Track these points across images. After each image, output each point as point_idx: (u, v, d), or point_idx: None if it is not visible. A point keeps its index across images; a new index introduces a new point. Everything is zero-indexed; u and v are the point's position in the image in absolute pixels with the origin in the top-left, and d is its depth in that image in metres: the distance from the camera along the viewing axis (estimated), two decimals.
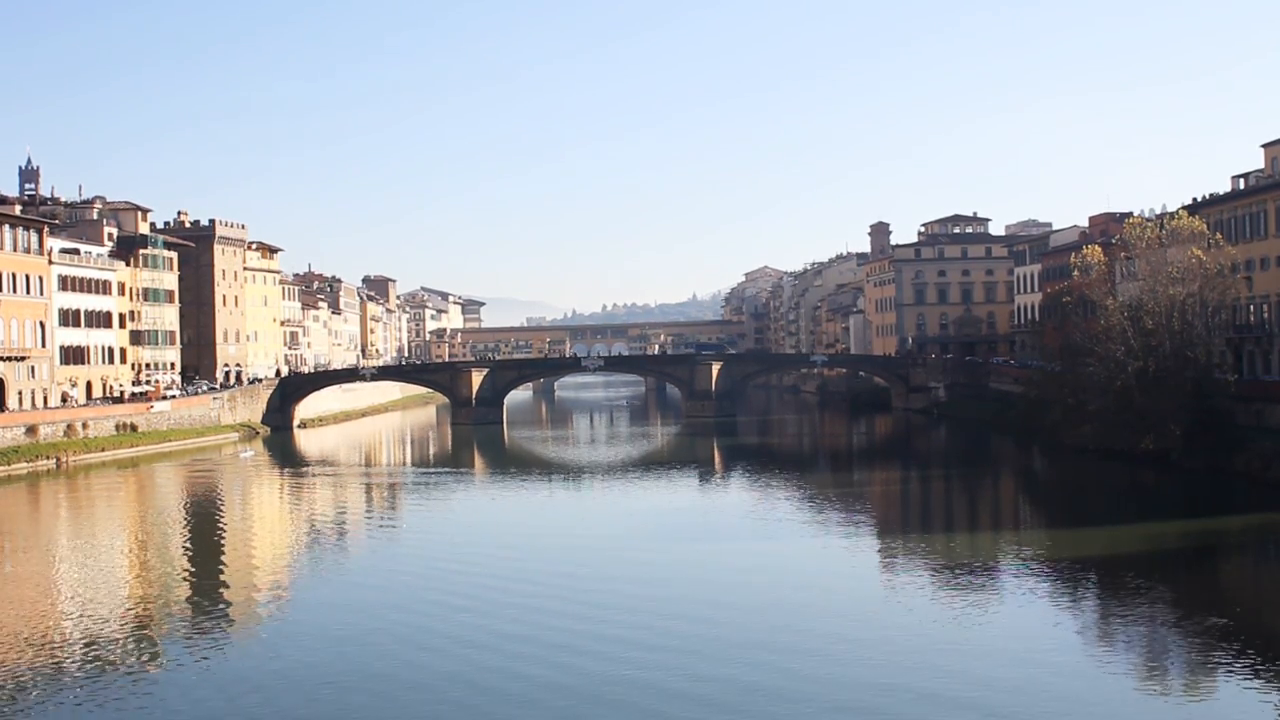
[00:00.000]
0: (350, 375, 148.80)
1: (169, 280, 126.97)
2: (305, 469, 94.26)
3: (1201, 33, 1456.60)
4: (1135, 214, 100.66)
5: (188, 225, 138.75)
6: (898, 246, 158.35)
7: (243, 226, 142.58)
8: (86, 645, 36.82)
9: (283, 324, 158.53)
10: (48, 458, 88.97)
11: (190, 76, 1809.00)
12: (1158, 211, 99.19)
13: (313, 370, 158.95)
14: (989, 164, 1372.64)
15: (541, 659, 33.79)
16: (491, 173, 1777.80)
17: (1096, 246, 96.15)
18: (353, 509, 72.21)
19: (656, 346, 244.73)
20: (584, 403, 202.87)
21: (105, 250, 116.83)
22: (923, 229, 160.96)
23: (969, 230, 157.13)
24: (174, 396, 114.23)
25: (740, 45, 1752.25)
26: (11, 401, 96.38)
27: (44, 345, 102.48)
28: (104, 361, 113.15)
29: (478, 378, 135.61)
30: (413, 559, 52.34)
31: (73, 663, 34.79)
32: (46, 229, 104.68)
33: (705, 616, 38.45)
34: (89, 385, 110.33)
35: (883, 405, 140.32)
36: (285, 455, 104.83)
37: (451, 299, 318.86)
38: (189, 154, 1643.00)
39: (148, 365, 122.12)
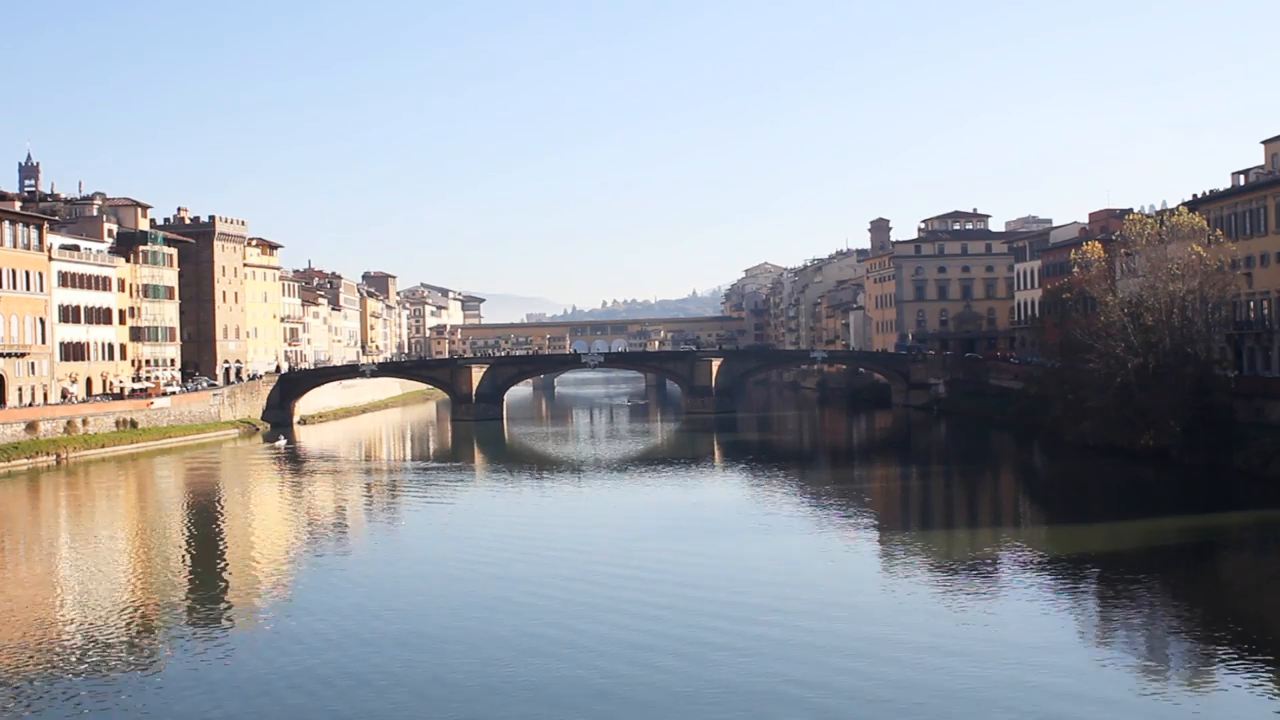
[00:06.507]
0: (350, 371, 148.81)
1: (169, 276, 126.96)
2: (306, 465, 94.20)
3: (1202, 29, 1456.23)
4: (1135, 210, 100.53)
5: (187, 221, 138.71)
6: (898, 243, 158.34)
7: (243, 223, 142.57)
8: (88, 643, 36.79)
9: (283, 320, 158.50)
10: (48, 454, 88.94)
11: (190, 73, 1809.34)
12: (1158, 208, 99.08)
13: (313, 366, 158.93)
14: (989, 160, 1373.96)
15: (543, 655, 33.79)
16: (492, 169, 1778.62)
17: (1096, 243, 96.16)
18: (354, 505, 72.21)
19: (657, 343, 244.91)
20: (584, 399, 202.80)
21: (105, 246, 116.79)
22: (923, 225, 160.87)
23: (969, 226, 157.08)
24: (174, 393, 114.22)
25: (740, 41, 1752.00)
26: (12, 398, 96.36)
27: (44, 341, 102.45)
28: (104, 358, 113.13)
29: (478, 374, 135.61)
30: (414, 556, 52.42)
31: (74, 661, 34.76)
32: (46, 225, 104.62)
33: (703, 613, 38.40)
34: (89, 381, 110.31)
35: (883, 402, 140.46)
36: (295, 449, 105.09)
37: (451, 295, 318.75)
38: (189, 150, 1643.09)
39: (148, 361, 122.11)
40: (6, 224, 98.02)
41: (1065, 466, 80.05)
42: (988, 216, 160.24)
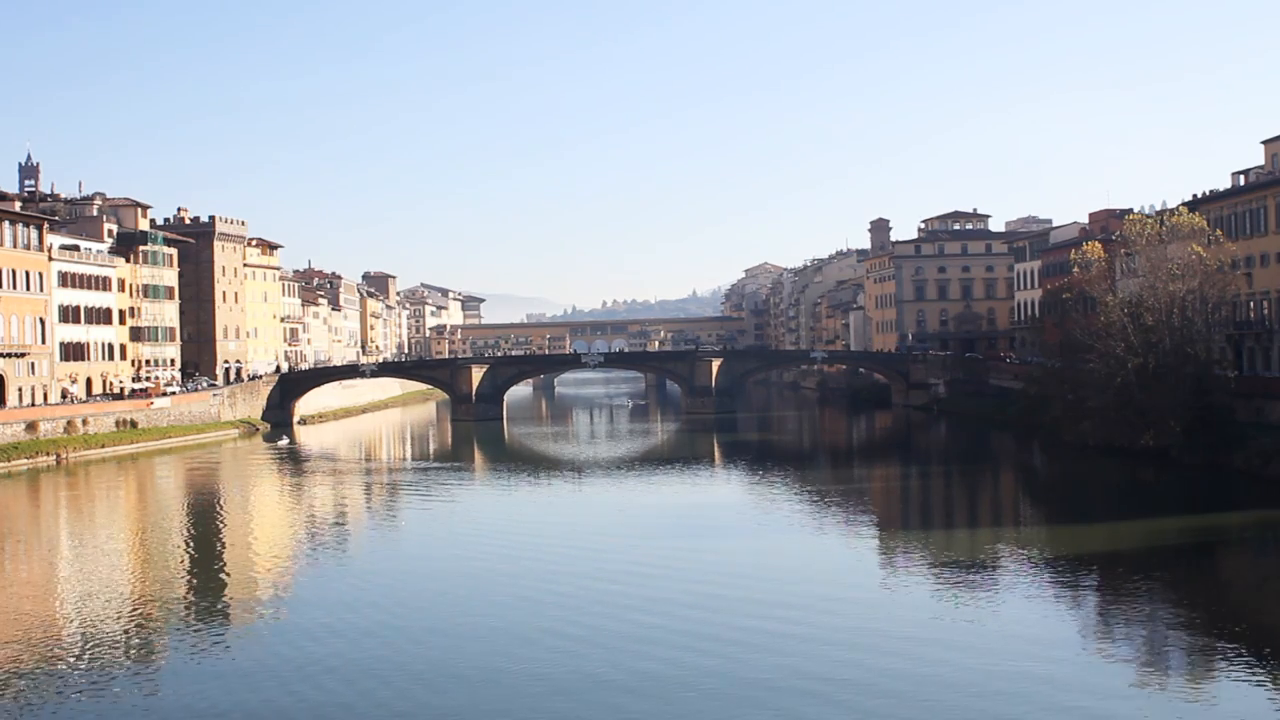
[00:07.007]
0: (350, 371, 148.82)
1: (169, 277, 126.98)
2: (306, 465, 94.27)
3: (1202, 29, 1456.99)
4: (1135, 210, 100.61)
5: (187, 221, 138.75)
6: (898, 243, 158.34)
7: (243, 223, 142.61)
8: (88, 642, 36.85)
9: (283, 320, 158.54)
10: (48, 454, 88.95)
11: (190, 72, 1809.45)
12: (1158, 208, 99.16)
13: (313, 366, 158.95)
14: (989, 160, 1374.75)
15: (543, 651, 33.83)
16: (492, 169, 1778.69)
17: (1096, 243, 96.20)
18: (354, 504, 72.26)
19: (657, 343, 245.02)
20: (584, 399, 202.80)
21: (105, 247, 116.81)
22: (923, 225, 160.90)
23: (969, 227, 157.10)
24: (174, 393, 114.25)
25: (740, 41, 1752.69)
26: (12, 398, 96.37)
27: (44, 341, 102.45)
28: (104, 358, 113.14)
29: (478, 374, 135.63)
30: (416, 554, 52.49)
31: (75, 659, 34.79)
32: (46, 225, 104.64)
33: (703, 612, 38.43)
34: (89, 382, 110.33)
35: (883, 402, 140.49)
36: (296, 449, 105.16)
37: (451, 295, 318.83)
38: (189, 150, 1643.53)
39: (148, 362, 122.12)
40: (6, 224, 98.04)
41: (1065, 466, 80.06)
42: (988, 216, 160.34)
